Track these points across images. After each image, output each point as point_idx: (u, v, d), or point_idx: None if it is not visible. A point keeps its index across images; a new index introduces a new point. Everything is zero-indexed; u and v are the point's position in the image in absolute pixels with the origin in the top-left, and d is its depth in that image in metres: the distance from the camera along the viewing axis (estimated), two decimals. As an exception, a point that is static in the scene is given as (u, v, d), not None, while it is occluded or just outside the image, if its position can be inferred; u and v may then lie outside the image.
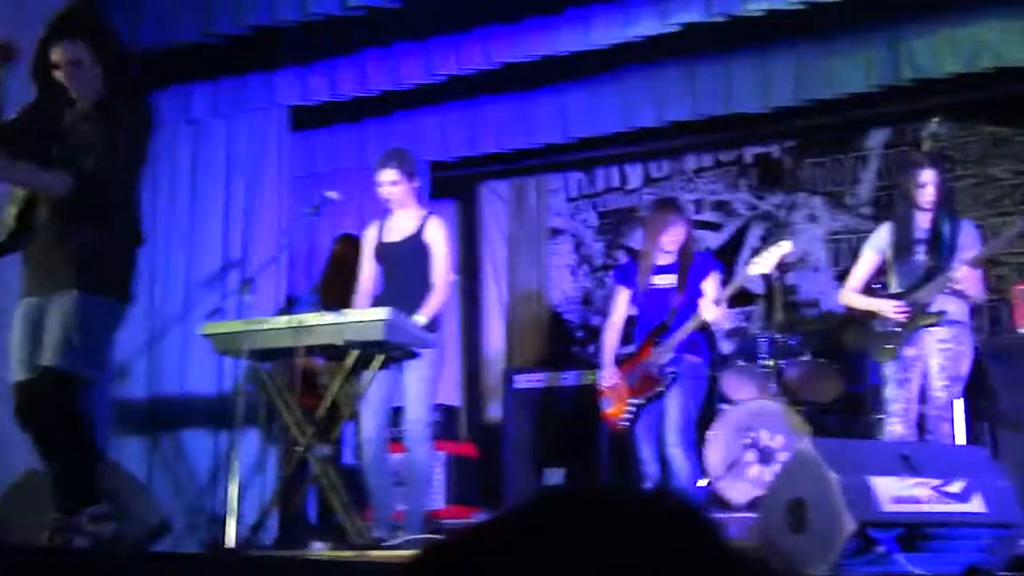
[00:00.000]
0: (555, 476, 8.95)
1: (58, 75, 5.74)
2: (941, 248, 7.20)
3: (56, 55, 5.77)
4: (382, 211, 7.69)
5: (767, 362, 9.02)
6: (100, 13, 6.11)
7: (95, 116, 5.70)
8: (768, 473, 8.18)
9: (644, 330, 7.74)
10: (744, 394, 9.08)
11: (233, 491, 7.41)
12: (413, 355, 7.30)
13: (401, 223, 7.61)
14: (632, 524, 1.33)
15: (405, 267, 7.52)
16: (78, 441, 5.69)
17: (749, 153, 11.05)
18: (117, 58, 5.92)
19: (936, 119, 7.99)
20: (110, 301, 5.70)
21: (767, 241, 7.89)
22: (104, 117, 5.69)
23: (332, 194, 7.75)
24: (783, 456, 8.01)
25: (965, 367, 7.19)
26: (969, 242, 7.25)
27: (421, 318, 7.21)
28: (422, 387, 7.36)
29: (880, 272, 7.54)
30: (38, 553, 5.06)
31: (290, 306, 9.06)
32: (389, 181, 7.49)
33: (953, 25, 8.40)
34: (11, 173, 5.70)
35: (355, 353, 7.09)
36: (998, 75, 8.64)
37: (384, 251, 7.62)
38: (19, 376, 5.74)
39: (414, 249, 7.52)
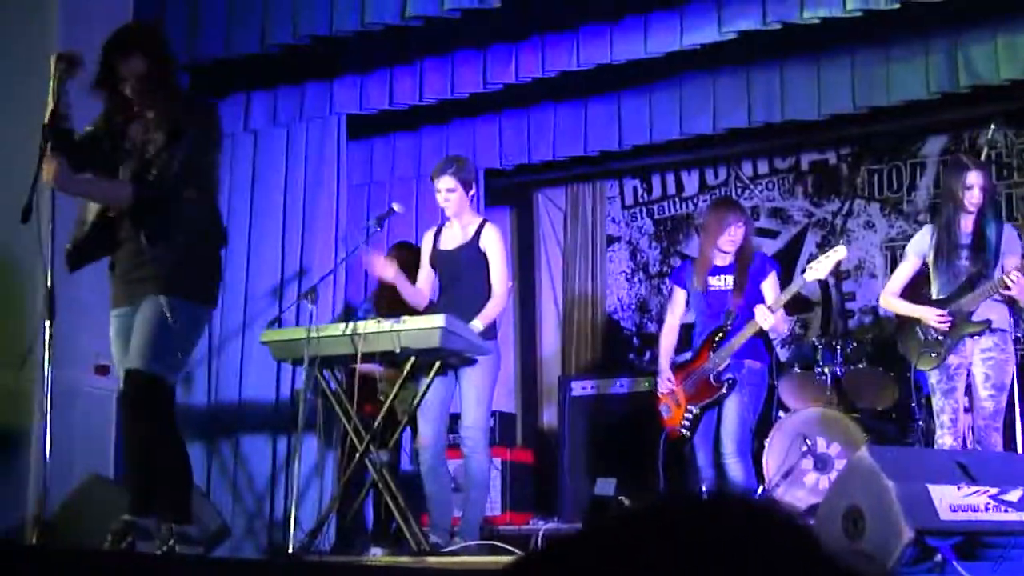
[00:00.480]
0: (607, 485, 8.93)
1: (123, 88, 5.80)
2: (984, 252, 7.14)
3: (120, 69, 5.83)
4: (440, 218, 7.72)
5: (824, 369, 8.99)
6: (159, 28, 6.15)
7: (162, 126, 5.75)
8: (825, 481, 8.15)
9: (702, 335, 7.72)
10: (801, 402, 9.04)
11: (292, 497, 7.45)
12: (470, 362, 7.32)
13: (457, 231, 7.62)
14: (739, 532, 1.33)
15: (461, 274, 7.53)
16: (165, 443, 5.76)
17: (805, 160, 11.01)
18: (175, 70, 5.98)
19: (993, 126, 7.95)
20: (194, 305, 5.76)
21: (823, 248, 7.85)
22: (171, 127, 5.74)
23: (397, 206, 7.76)
24: (840, 464, 7.98)
25: (1010, 376, 7.13)
26: (1012, 247, 7.19)
27: (478, 324, 7.22)
28: (478, 394, 7.37)
29: (921, 276, 7.49)
30: (97, 557, 5.09)
31: (347, 314, 9.10)
32: (447, 188, 7.49)
33: (1010, 32, 8.36)
34: (73, 186, 5.75)
35: (412, 360, 7.13)
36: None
37: (440, 258, 7.64)
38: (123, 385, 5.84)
39: (470, 256, 7.53)
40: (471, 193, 7.60)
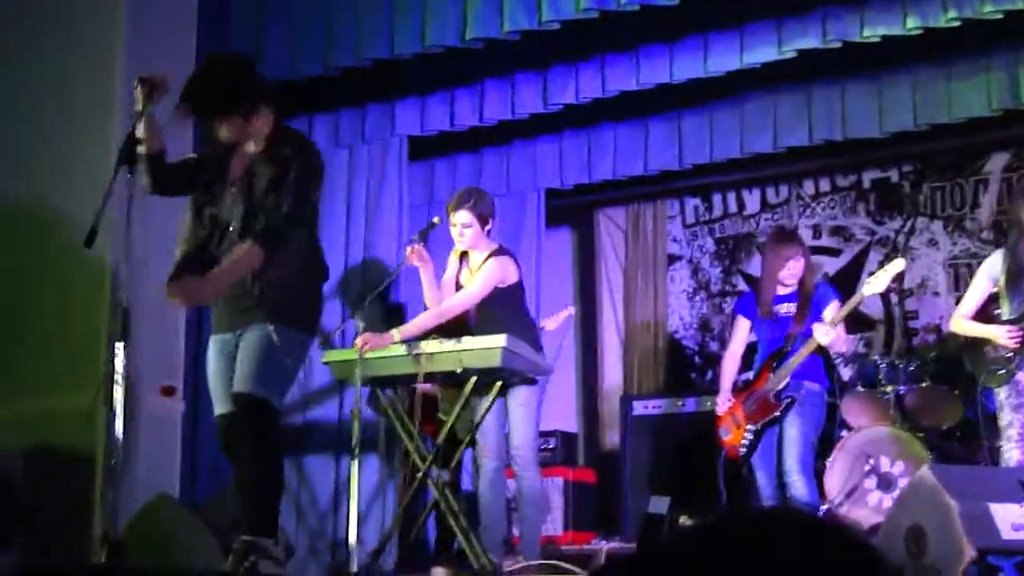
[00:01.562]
0: (660, 503, 8.94)
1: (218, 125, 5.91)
2: None
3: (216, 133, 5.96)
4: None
5: (887, 388, 8.98)
6: (247, 61, 6.21)
7: (268, 161, 5.85)
8: (888, 500, 8.13)
9: (762, 357, 7.75)
10: (864, 420, 9.03)
11: (354, 516, 7.51)
12: (531, 381, 7.37)
13: (474, 265, 7.62)
14: (810, 550, 1.36)
15: (485, 308, 7.55)
16: (272, 464, 5.85)
17: (867, 178, 11.00)
18: (269, 99, 6.04)
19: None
20: (298, 333, 5.86)
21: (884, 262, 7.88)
22: (275, 161, 5.84)
23: (437, 220, 7.74)
24: (903, 483, 7.97)
25: None
26: None
27: (396, 335, 7.25)
28: (525, 413, 7.41)
29: (993, 299, 7.49)
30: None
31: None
32: (462, 224, 7.44)
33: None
34: (212, 288, 5.84)
35: (473, 379, 7.18)
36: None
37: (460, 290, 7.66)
38: (220, 410, 5.94)
39: (485, 298, 7.55)
40: (487, 228, 7.58)
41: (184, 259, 5.94)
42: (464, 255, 7.70)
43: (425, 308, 7.70)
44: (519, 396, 7.40)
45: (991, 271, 7.44)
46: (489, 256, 7.53)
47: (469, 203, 7.42)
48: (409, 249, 7.46)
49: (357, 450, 6.95)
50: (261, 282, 5.76)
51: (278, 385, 5.84)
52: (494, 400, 7.27)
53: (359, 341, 7.09)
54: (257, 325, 5.76)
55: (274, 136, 5.93)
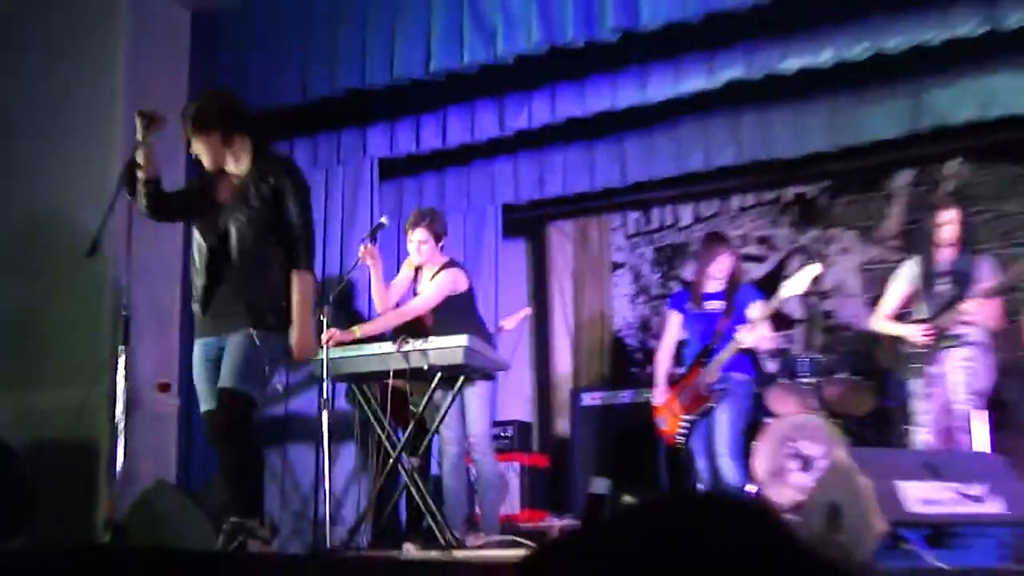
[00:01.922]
0: (602, 484, 8.95)
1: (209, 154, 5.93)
2: (962, 280, 7.23)
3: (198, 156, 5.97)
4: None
5: (808, 379, 9.02)
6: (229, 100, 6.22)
7: (261, 181, 5.86)
8: (809, 480, 8.16)
9: (693, 352, 7.78)
10: (787, 408, 9.06)
11: (326, 497, 7.48)
12: (490, 377, 7.38)
13: (427, 275, 7.68)
14: (725, 526, 1.36)
15: (439, 318, 7.59)
16: (252, 452, 5.85)
17: (788, 193, 11.04)
18: (234, 129, 6.03)
19: (955, 161, 8.00)
20: (277, 335, 5.86)
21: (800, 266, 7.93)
22: (273, 184, 5.85)
23: (385, 220, 7.79)
24: (822, 464, 8.00)
25: (986, 382, 7.19)
26: (986, 274, 7.27)
27: (357, 331, 7.30)
28: (481, 404, 7.47)
29: (908, 301, 7.55)
30: (188, 556, 5.15)
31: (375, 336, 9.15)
32: (419, 240, 7.56)
33: (969, 77, 8.38)
34: (312, 333, 5.99)
35: (438, 375, 7.18)
36: (1010, 121, 8.62)
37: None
38: (205, 407, 5.95)
39: (443, 302, 7.58)
40: (440, 244, 7.64)
41: (204, 288, 5.95)
42: (419, 267, 7.74)
43: (371, 302, 7.74)
44: (475, 390, 7.44)
45: (906, 276, 7.52)
46: (441, 268, 7.57)
47: (425, 222, 7.53)
48: (362, 248, 7.51)
49: (327, 436, 6.92)
50: (245, 295, 5.77)
51: (258, 382, 5.84)
52: (456, 393, 7.28)
53: (324, 336, 7.10)
54: (240, 329, 5.76)
55: (257, 159, 5.94)
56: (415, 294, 7.74)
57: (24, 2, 8.80)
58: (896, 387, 7.90)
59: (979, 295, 7.12)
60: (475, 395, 7.44)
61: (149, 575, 3.75)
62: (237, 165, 5.96)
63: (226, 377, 5.74)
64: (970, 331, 7.18)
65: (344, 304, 8.84)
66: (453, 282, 7.60)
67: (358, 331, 7.39)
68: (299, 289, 5.86)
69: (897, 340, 7.42)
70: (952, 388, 7.20)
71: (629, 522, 1.41)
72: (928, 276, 7.34)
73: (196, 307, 6.01)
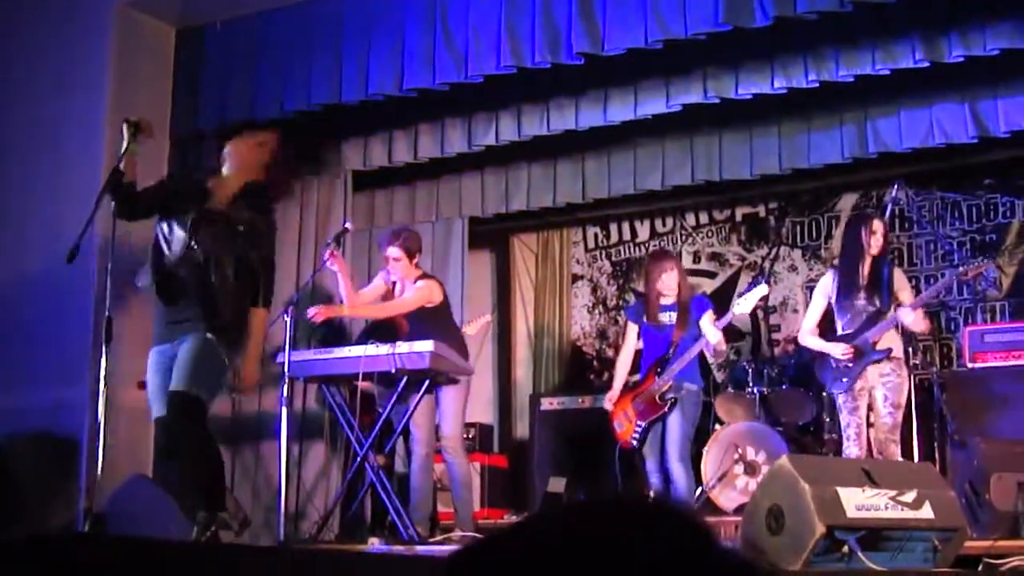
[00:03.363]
0: (558, 483, 8.98)
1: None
2: (880, 292, 7.30)
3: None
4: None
5: (753, 389, 9.09)
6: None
7: (246, 207, 5.90)
8: (753, 483, 8.23)
9: (648, 362, 7.82)
10: (733, 416, 9.14)
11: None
12: (454, 381, 7.41)
13: (404, 288, 7.74)
14: (641, 528, 1.39)
15: (419, 324, 7.63)
16: (208, 450, 5.85)
17: (739, 212, 11.11)
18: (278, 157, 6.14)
19: (896, 185, 8.08)
20: (235, 347, 5.88)
21: (751, 286, 8.00)
22: (260, 215, 5.90)
23: (350, 225, 7.87)
24: (765, 469, 8.06)
25: (904, 395, 7.28)
26: (902, 285, 7.38)
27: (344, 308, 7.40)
28: (455, 407, 7.49)
29: (828, 314, 7.63)
30: (163, 545, 5.14)
31: (351, 340, 9.16)
32: (393, 258, 7.65)
33: (911, 107, 8.49)
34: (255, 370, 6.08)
35: (404, 379, 7.21)
36: (948, 150, 8.73)
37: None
38: (157, 414, 5.94)
39: (419, 313, 7.63)
40: (415, 260, 7.72)
41: (159, 283, 5.94)
42: (394, 287, 7.81)
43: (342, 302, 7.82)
44: (450, 393, 7.47)
45: (824, 289, 7.60)
46: (418, 279, 7.61)
47: (398, 240, 7.61)
48: (328, 251, 7.55)
49: (285, 433, 6.93)
50: (204, 303, 5.78)
51: (210, 385, 5.84)
52: (422, 397, 7.30)
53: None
54: (194, 334, 5.76)
55: (249, 188, 6.00)
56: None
57: (10, 16, 8.79)
58: (835, 399, 8.00)
59: (907, 308, 7.21)
60: (450, 397, 7.48)
61: (126, 564, 3.77)
62: (232, 182, 6.00)
63: (178, 380, 5.72)
64: (892, 346, 7.26)
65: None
66: (429, 292, 7.70)
67: (345, 309, 7.46)
68: (255, 324, 5.91)
69: (826, 355, 7.49)
70: (875, 402, 7.28)
71: (556, 521, 1.45)
72: (848, 288, 7.40)
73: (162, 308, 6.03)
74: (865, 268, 7.38)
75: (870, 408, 7.33)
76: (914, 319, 7.23)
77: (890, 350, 7.22)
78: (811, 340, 7.62)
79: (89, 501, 6.38)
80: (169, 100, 8.44)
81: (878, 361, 7.24)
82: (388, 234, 7.79)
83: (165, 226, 6.01)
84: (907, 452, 7.84)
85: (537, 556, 1.37)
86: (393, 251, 7.60)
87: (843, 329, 7.44)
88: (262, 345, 6.02)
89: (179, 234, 5.92)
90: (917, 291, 7.76)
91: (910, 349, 7.56)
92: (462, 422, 7.65)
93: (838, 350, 7.32)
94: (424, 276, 7.77)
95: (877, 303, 7.31)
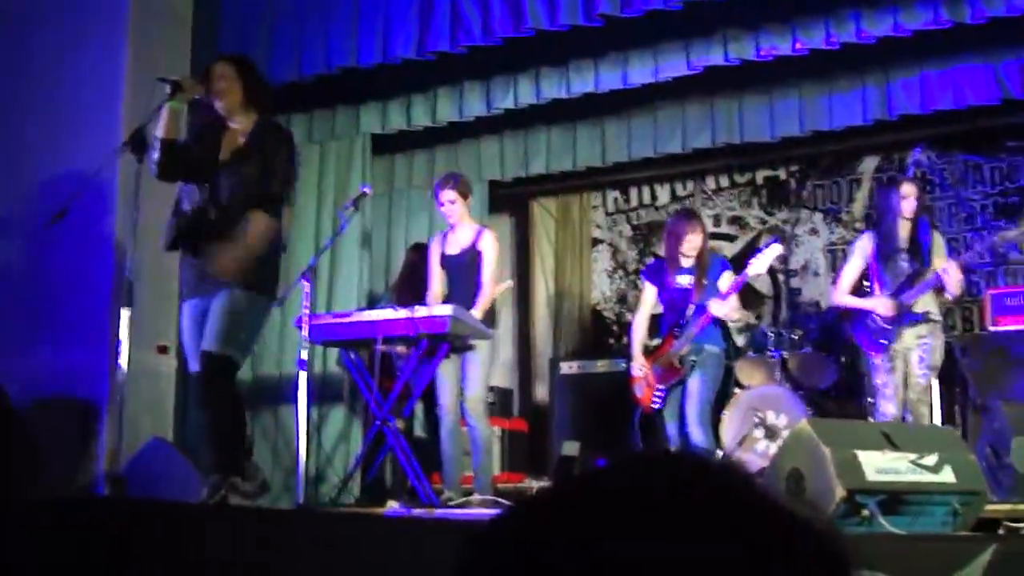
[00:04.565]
0: (572, 447, 8.99)
1: (218, 102, 5.91)
2: (920, 254, 7.27)
3: (212, 72, 5.96)
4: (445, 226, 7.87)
5: (773, 353, 9.07)
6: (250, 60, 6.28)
7: (259, 143, 5.85)
8: (773, 447, 8.22)
9: (667, 325, 7.81)
10: (754, 380, 9.12)
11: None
12: (471, 347, 7.41)
13: (460, 236, 7.74)
14: (704, 483, 1.37)
15: (464, 274, 7.65)
16: (233, 413, 5.85)
17: (760, 175, 11.08)
18: (257, 79, 6.09)
19: (919, 148, 8.03)
20: (261, 298, 5.84)
21: (765, 245, 7.97)
22: (268, 146, 5.85)
23: (368, 190, 7.87)
24: (785, 433, 8.05)
25: (939, 358, 7.25)
26: (940, 250, 7.33)
27: (476, 313, 7.33)
28: (479, 371, 7.48)
29: (864, 275, 7.59)
30: (198, 510, 5.16)
31: (371, 303, 9.18)
32: (448, 200, 7.63)
33: (933, 69, 8.43)
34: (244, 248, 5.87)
35: (423, 342, 7.21)
36: (970, 112, 8.67)
37: (446, 261, 7.75)
38: (194, 367, 5.93)
39: (471, 259, 7.64)
40: (468, 203, 7.73)
41: (181, 229, 5.93)
42: (444, 239, 7.79)
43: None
44: (473, 357, 7.46)
45: (863, 251, 7.54)
46: (482, 230, 7.79)
47: (451, 183, 7.66)
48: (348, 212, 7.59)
49: (305, 396, 6.92)
50: (231, 255, 5.74)
51: (241, 345, 5.82)
52: (440, 360, 7.31)
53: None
54: (224, 290, 5.73)
55: (259, 124, 5.94)
56: (444, 256, 7.82)
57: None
58: (858, 361, 7.97)
59: (950, 262, 7.17)
60: (473, 361, 7.48)
61: (144, 526, 3.78)
62: (242, 124, 5.96)
63: (208, 340, 5.71)
64: (930, 309, 7.22)
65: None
66: (497, 241, 7.86)
67: (478, 313, 7.45)
68: (254, 223, 5.80)
69: (863, 315, 7.44)
70: (910, 363, 7.25)
71: (598, 480, 1.42)
72: (887, 251, 7.36)
73: (185, 263, 6.02)
74: (903, 230, 7.35)
75: (905, 369, 7.31)
76: (956, 281, 7.17)
77: (927, 313, 7.19)
78: (848, 299, 7.58)
79: (109, 464, 6.42)
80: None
81: (915, 323, 7.21)
82: (440, 180, 7.84)
83: (195, 183, 6.01)
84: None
85: (590, 515, 1.35)
86: (448, 194, 7.64)
87: (881, 290, 7.40)
88: (258, 246, 5.89)
89: (202, 188, 5.92)
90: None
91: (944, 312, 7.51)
92: (485, 386, 7.65)
93: (882, 306, 7.27)
94: (484, 227, 7.97)
95: (917, 264, 7.27)
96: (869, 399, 7.74)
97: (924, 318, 7.20)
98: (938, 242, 7.42)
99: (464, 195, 7.70)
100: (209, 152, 5.94)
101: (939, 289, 7.25)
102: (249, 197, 5.77)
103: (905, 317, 7.22)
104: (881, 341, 7.29)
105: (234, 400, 5.90)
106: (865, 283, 7.62)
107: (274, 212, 5.82)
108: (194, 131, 6.08)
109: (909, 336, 7.24)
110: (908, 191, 7.33)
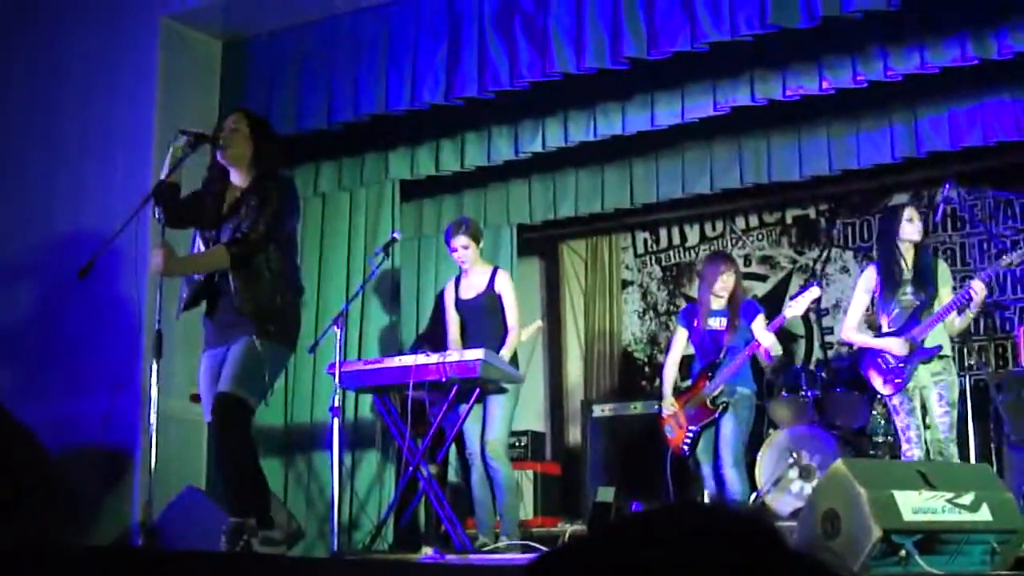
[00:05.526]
0: (607, 493, 8.95)
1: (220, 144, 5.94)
2: (925, 284, 7.19)
3: (225, 122, 6.02)
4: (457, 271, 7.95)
5: (806, 392, 9.04)
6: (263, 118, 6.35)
7: (250, 195, 5.88)
8: (808, 488, 8.18)
9: (699, 365, 7.80)
10: (787, 420, 9.09)
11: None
12: (504, 389, 7.41)
13: (474, 281, 7.78)
14: (727, 535, 1.39)
15: (481, 317, 7.67)
16: (250, 455, 5.84)
17: (790, 215, 11.06)
18: (267, 138, 6.11)
19: (948, 185, 8.01)
20: (280, 347, 5.86)
21: (803, 289, 7.94)
22: (260, 194, 5.86)
23: (397, 235, 7.94)
24: (820, 473, 8.01)
25: (957, 393, 7.15)
26: (945, 279, 7.26)
27: (505, 354, 7.35)
28: (502, 412, 7.49)
29: (867, 311, 7.54)
30: (219, 558, 5.16)
31: (401, 349, 9.19)
32: (462, 246, 7.69)
33: (960, 107, 8.42)
34: (179, 268, 5.89)
35: (455, 387, 7.22)
36: (1000, 148, 8.64)
37: (461, 306, 7.79)
38: (209, 418, 5.93)
39: (488, 302, 7.66)
40: (480, 246, 7.80)
41: (193, 292, 5.98)
42: (457, 284, 7.81)
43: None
44: (498, 399, 7.47)
45: (867, 285, 7.48)
46: (495, 271, 7.85)
47: (463, 229, 7.72)
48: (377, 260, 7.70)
49: (338, 442, 6.94)
50: (243, 298, 5.77)
51: (256, 389, 5.82)
52: (472, 404, 7.31)
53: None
54: (243, 338, 5.76)
55: (257, 176, 5.97)
56: (458, 299, 7.93)
57: (62, 32, 8.88)
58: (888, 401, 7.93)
59: (977, 281, 7.09)
60: (497, 403, 7.48)
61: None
62: (243, 180, 6.01)
63: (224, 381, 5.73)
64: (942, 343, 7.13)
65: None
66: (511, 283, 7.92)
67: (507, 353, 7.50)
68: (214, 252, 5.85)
69: (874, 353, 7.34)
70: (929, 403, 7.14)
71: (633, 527, 1.44)
72: (891, 282, 7.27)
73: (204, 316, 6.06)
74: (908, 259, 7.28)
75: (923, 409, 7.21)
76: (978, 296, 7.07)
77: (940, 347, 7.10)
78: (857, 336, 7.50)
79: (143, 514, 6.43)
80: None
81: (928, 360, 7.13)
82: (450, 227, 7.90)
83: (199, 237, 6.07)
84: (963, 454, 7.76)
85: (626, 562, 1.37)
86: (461, 239, 7.70)
87: (889, 325, 7.33)
88: (193, 266, 5.94)
89: (210, 242, 5.97)
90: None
91: (964, 349, 7.44)
92: (508, 428, 7.64)
93: (896, 345, 7.18)
94: (498, 268, 8.02)
95: (923, 296, 7.20)
96: (890, 438, 7.70)
97: (937, 353, 7.11)
98: (942, 270, 7.35)
99: (476, 239, 7.75)
100: (215, 204, 6.01)
101: (961, 309, 7.15)
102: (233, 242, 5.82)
103: (917, 353, 7.13)
104: (895, 380, 7.19)
105: (248, 444, 5.88)
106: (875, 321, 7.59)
107: (236, 247, 5.83)
108: (204, 182, 6.14)
109: (924, 374, 7.13)
110: (911, 214, 7.29)
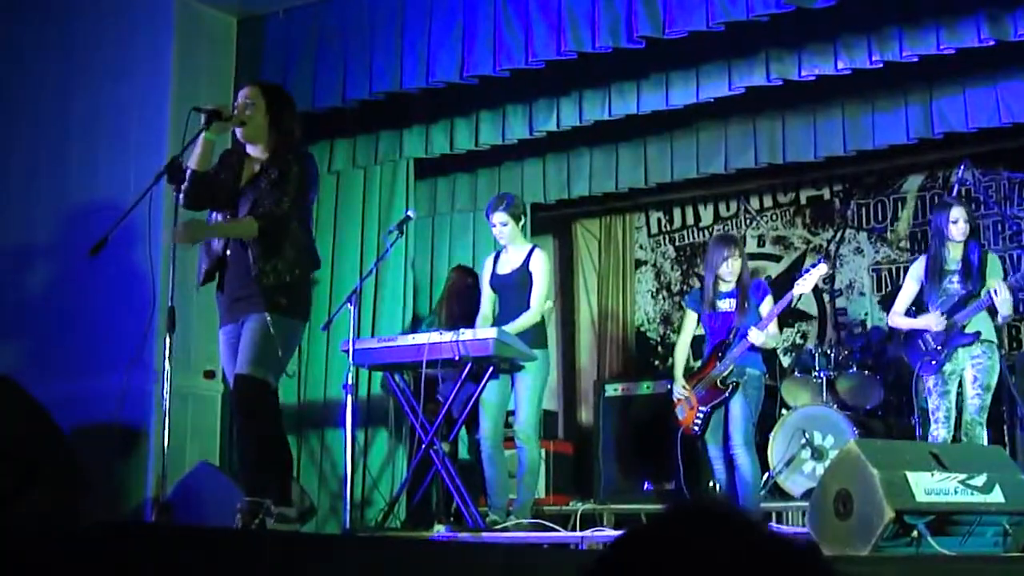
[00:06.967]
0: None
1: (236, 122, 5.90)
2: (971, 275, 7.22)
3: (238, 98, 5.99)
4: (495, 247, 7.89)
5: (819, 373, 9.02)
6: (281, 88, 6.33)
7: (271, 168, 5.85)
8: (820, 468, 8.18)
9: (709, 347, 7.79)
10: (800, 401, 9.08)
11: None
12: (519, 368, 7.39)
13: (511, 257, 7.73)
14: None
15: (513, 294, 7.64)
16: (270, 435, 5.83)
17: (804, 195, 11.03)
18: (283, 107, 6.07)
19: (963, 166, 7.98)
20: (291, 320, 5.84)
21: (811, 265, 7.92)
22: (281, 168, 5.83)
23: (411, 213, 7.93)
24: (833, 454, 8.00)
25: (994, 378, 7.18)
26: (994, 271, 7.27)
27: (511, 328, 7.32)
28: (530, 395, 7.47)
29: (917, 297, 7.55)
30: (231, 534, 5.16)
31: (414, 326, 9.19)
32: (500, 222, 7.63)
33: (976, 87, 8.38)
34: (208, 233, 5.88)
35: (468, 365, 7.21)
36: (1015, 129, 8.60)
37: (496, 281, 7.75)
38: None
39: (521, 278, 7.63)
40: (520, 224, 7.72)
41: (212, 265, 5.97)
42: (496, 259, 7.80)
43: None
44: (526, 380, 7.45)
45: (916, 274, 7.51)
46: (533, 249, 7.76)
47: (503, 205, 7.65)
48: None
49: (350, 419, 6.95)
50: (262, 271, 5.73)
51: (273, 365, 5.80)
52: (485, 383, 7.30)
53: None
54: (256, 315, 5.74)
55: (277, 149, 5.93)
56: (494, 274, 7.83)
57: (78, 11, 8.87)
58: (904, 381, 7.91)
59: (1000, 284, 7.11)
60: (525, 384, 7.47)
61: (190, 553, 3.79)
62: (262, 153, 5.97)
63: (241, 363, 5.72)
64: (982, 328, 7.16)
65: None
66: (549, 261, 7.90)
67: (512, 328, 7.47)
68: (241, 221, 5.83)
69: (916, 337, 7.39)
70: (965, 384, 7.19)
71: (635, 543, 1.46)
72: (938, 274, 7.32)
73: (216, 292, 6.04)
74: (954, 253, 7.32)
75: (959, 391, 7.26)
76: (1003, 300, 7.12)
77: (979, 333, 7.13)
78: (901, 320, 7.57)
79: (157, 489, 6.44)
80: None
81: (967, 345, 7.16)
82: (492, 202, 7.85)
83: (215, 214, 6.04)
84: (998, 437, 7.79)
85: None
86: (499, 215, 7.65)
87: (937, 308, 7.36)
88: (221, 230, 5.92)
89: (226, 216, 5.95)
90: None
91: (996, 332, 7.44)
92: (538, 409, 7.62)
93: (933, 320, 7.23)
94: (537, 246, 7.92)
95: (969, 286, 7.23)
96: (915, 421, 7.70)
97: (976, 338, 7.14)
98: (992, 262, 7.36)
99: (516, 216, 7.69)
100: (231, 179, 5.97)
101: (992, 310, 7.20)
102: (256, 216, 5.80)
103: (955, 337, 7.16)
104: (932, 362, 7.23)
105: (271, 423, 5.86)
106: (914, 308, 7.59)
107: (265, 220, 5.82)
108: (220, 156, 6.09)
109: (962, 356, 7.19)
110: (957, 214, 7.30)
